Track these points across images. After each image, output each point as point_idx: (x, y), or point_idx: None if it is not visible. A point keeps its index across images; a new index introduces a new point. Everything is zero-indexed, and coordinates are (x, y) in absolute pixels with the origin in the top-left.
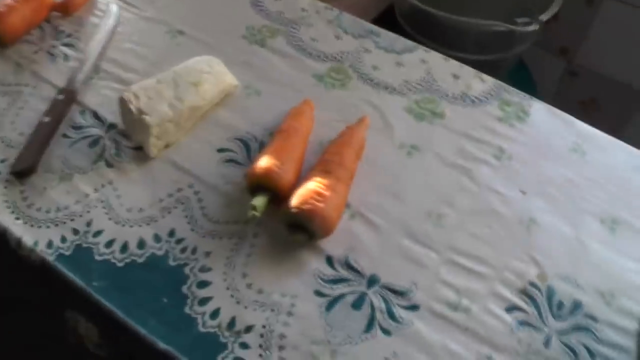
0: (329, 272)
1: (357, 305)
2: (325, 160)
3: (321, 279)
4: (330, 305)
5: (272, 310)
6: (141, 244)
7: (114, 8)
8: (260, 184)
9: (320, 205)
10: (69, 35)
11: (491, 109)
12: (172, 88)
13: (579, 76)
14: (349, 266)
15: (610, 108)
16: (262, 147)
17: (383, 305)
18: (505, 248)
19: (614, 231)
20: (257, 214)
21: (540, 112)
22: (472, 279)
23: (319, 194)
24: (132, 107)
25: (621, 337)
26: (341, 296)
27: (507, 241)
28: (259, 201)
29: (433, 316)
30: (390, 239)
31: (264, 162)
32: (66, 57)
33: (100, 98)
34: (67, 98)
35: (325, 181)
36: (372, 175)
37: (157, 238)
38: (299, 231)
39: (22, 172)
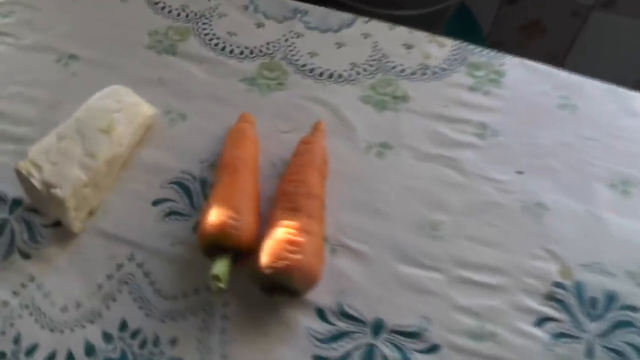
0: (323, 328)
1: None
2: (287, 192)
3: (317, 339)
4: None
5: None
6: (89, 350)
7: None
8: (217, 244)
9: (297, 257)
10: None
11: (459, 78)
12: (78, 142)
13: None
14: (345, 315)
15: (554, 30)
16: (204, 186)
17: (397, 356)
18: (516, 246)
19: (627, 195)
20: (222, 285)
21: (516, 69)
22: (489, 295)
23: (292, 242)
24: (35, 182)
25: None
26: (347, 356)
27: (516, 236)
28: (221, 268)
29: (458, 353)
30: (382, 267)
31: (214, 216)
32: None
33: None
34: None
35: (294, 223)
36: (343, 193)
37: (107, 337)
38: (278, 291)
39: None
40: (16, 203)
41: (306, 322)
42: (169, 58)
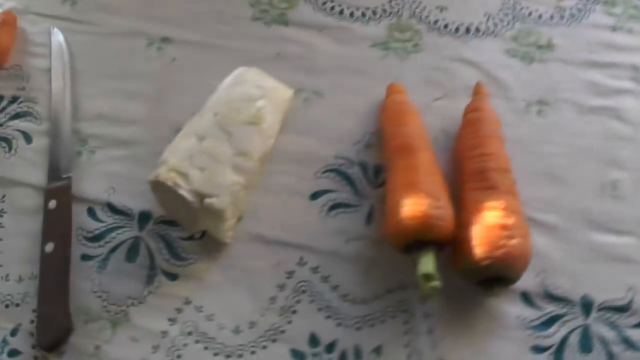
0: (533, 314)
1: (585, 346)
2: (477, 169)
3: (529, 328)
4: (558, 357)
5: None
6: None
7: (56, 36)
8: (419, 239)
9: (513, 242)
10: (13, 101)
11: (597, 18)
12: (225, 141)
13: None
14: (551, 297)
15: None
16: (365, 170)
17: (613, 335)
18: None
19: None
20: (437, 283)
21: None
22: None
23: (504, 226)
24: (185, 193)
25: None
26: (564, 342)
27: None
28: (429, 265)
29: None
30: (577, 239)
31: (411, 207)
32: (27, 137)
33: (106, 180)
34: (62, 199)
35: (498, 203)
36: (515, 160)
37: (298, 355)
38: (494, 283)
39: (55, 342)
40: (144, 217)
41: (514, 310)
42: (282, 29)
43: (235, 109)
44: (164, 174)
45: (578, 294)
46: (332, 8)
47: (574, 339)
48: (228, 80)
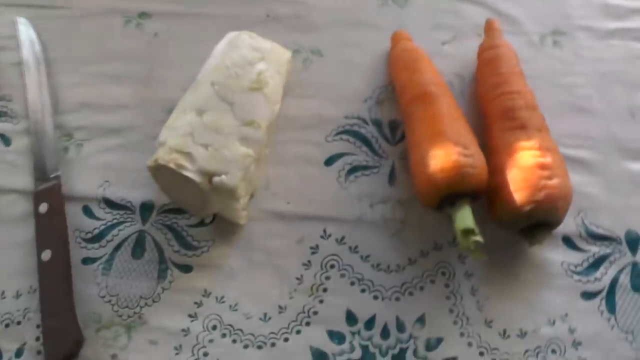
0: (578, 258)
1: (638, 285)
2: (505, 109)
3: (577, 273)
4: (610, 300)
5: (554, 351)
6: (320, 357)
7: (24, 25)
8: (453, 191)
9: (554, 182)
10: None
11: None
12: (227, 111)
13: None
14: (594, 236)
15: None
16: (380, 128)
17: None
18: None
19: None
20: (479, 238)
21: None
22: None
23: (542, 166)
24: (191, 174)
25: None
26: (614, 282)
27: None
28: (468, 219)
29: None
30: (612, 171)
31: (441, 158)
32: (5, 139)
33: (99, 173)
34: (53, 201)
35: (532, 142)
36: (537, 96)
37: (335, 336)
38: (536, 230)
39: (66, 357)
40: (146, 207)
41: (558, 256)
42: None
43: (233, 75)
44: (165, 156)
45: (622, 229)
46: None
47: (624, 278)
48: (220, 46)
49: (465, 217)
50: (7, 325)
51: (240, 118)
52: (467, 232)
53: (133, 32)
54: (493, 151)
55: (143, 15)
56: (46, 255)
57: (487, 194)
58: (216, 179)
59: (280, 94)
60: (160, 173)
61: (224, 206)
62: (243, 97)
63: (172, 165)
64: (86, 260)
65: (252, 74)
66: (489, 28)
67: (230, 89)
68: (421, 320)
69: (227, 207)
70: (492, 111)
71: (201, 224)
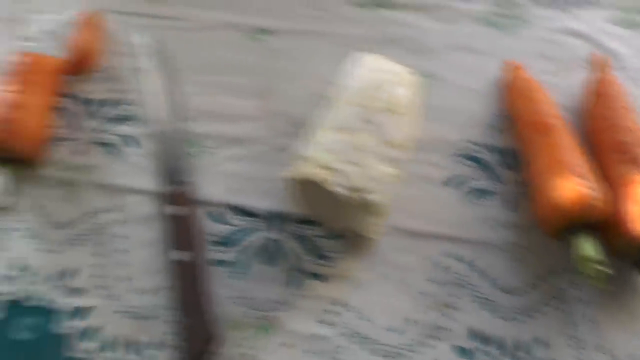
0: None
1: None
2: (620, 143)
3: None
4: None
5: None
6: None
7: (147, 34)
8: (577, 221)
9: None
10: (114, 105)
11: None
12: (370, 132)
13: None
14: None
15: None
16: (502, 153)
17: None
18: None
19: None
20: (606, 269)
21: None
22: None
23: None
24: (340, 190)
25: None
26: None
27: None
28: (591, 249)
29: None
30: None
31: (565, 188)
32: (134, 141)
33: (226, 181)
34: (186, 204)
35: None
36: None
37: (461, 352)
38: None
39: (204, 353)
40: (276, 217)
41: None
42: (382, 11)
43: (369, 97)
44: (313, 170)
45: None
46: None
47: None
48: (351, 68)
49: (588, 246)
50: (145, 319)
51: (383, 139)
52: (589, 260)
53: (251, 46)
54: (607, 183)
55: (261, 30)
56: (180, 255)
57: (603, 224)
58: (368, 196)
59: (415, 115)
60: (302, 186)
61: (361, 221)
62: (380, 118)
63: (318, 179)
64: (215, 262)
65: (391, 96)
66: (599, 63)
67: (371, 111)
68: (541, 342)
69: (363, 222)
70: (604, 144)
71: (332, 235)
